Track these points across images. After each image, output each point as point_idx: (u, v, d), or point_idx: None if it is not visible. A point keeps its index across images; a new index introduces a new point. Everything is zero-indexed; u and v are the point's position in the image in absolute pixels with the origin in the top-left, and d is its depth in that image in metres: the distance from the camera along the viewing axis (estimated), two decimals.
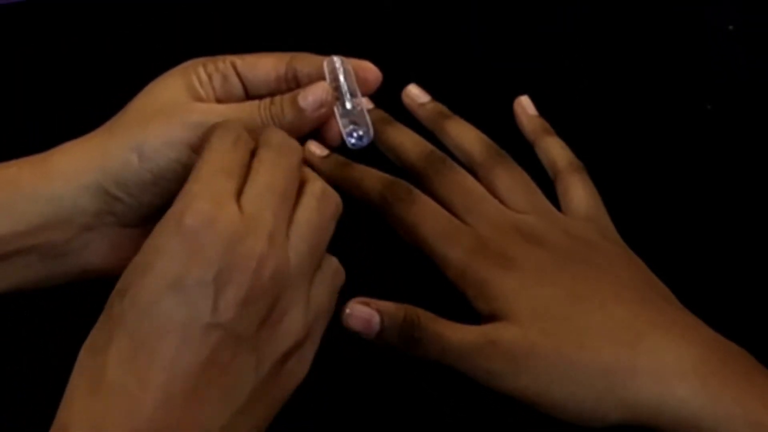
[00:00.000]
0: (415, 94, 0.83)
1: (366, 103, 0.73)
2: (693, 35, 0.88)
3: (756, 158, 0.84)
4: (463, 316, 0.74)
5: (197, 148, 0.66)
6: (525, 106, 0.83)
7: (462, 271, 0.74)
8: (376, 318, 0.71)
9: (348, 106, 0.70)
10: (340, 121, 0.70)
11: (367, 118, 0.70)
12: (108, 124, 0.70)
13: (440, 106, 0.82)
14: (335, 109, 0.70)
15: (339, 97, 0.70)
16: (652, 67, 0.87)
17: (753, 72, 0.87)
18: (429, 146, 0.79)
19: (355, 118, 0.70)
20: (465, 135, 0.80)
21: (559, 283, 0.72)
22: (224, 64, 0.71)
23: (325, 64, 0.70)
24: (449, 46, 0.90)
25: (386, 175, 0.79)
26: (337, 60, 0.70)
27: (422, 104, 0.83)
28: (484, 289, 0.72)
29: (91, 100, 0.83)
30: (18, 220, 0.67)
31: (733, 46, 0.88)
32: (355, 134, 0.70)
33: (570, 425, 0.70)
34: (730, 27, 0.88)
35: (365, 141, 0.70)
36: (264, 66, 0.71)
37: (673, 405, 0.68)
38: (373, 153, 0.73)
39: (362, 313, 0.71)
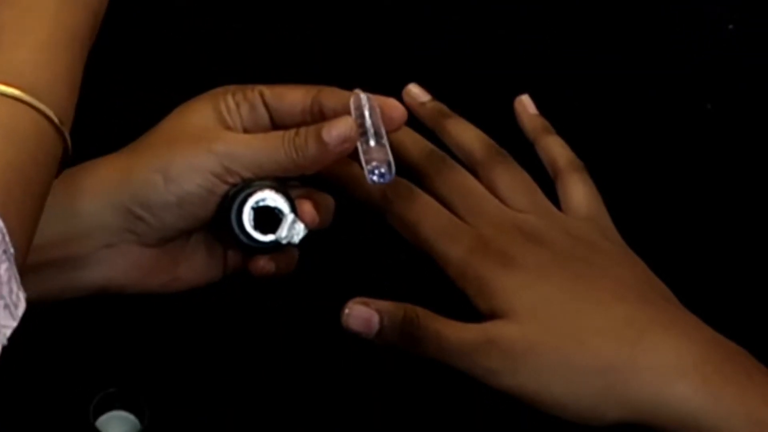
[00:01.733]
0: (415, 93, 0.83)
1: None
2: (693, 35, 0.88)
3: (756, 158, 0.84)
4: (463, 315, 0.74)
5: (221, 176, 0.68)
6: (525, 104, 0.83)
7: (462, 270, 0.74)
8: (376, 318, 0.71)
9: (371, 143, 0.69)
10: (362, 157, 0.69)
11: (390, 155, 0.70)
12: (135, 143, 0.71)
13: (441, 105, 0.83)
14: (358, 145, 0.69)
15: (363, 133, 0.69)
16: (652, 67, 0.87)
17: (753, 72, 0.87)
18: (429, 145, 0.79)
19: (377, 155, 0.69)
20: (465, 134, 0.81)
21: (559, 282, 0.72)
22: (252, 93, 0.71)
23: (351, 100, 0.70)
24: (449, 46, 0.90)
25: None
26: (363, 96, 0.70)
27: (423, 103, 0.83)
28: (484, 288, 0.73)
29: (90, 100, 0.83)
30: (39, 234, 0.66)
31: (733, 46, 0.87)
32: (377, 171, 0.69)
33: (570, 424, 0.70)
34: (730, 27, 0.88)
35: (387, 179, 0.69)
36: (291, 98, 0.71)
37: (673, 403, 0.68)
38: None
39: (362, 313, 0.71)
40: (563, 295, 0.71)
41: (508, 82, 0.86)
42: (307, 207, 0.71)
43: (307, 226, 0.70)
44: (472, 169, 0.79)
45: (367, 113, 0.70)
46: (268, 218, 0.70)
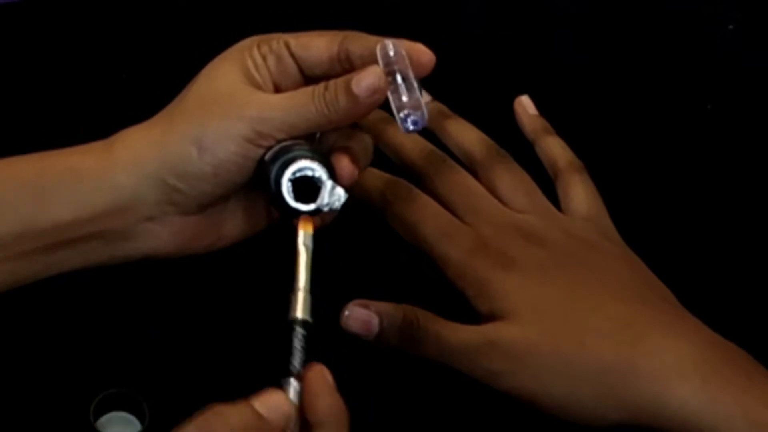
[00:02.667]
0: None
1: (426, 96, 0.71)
2: (693, 35, 0.88)
3: (756, 158, 0.84)
4: (463, 316, 0.74)
5: (254, 141, 0.67)
6: (525, 105, 0.83)
7: (462, 271, 0.74)
8: (375, 320, 0.71)
9: (402, 90, 0.67)
10: (393, 106, 0.67)
11: (422, 102, 0.68)
12: (167, 111, 0.70)
13: (441, 106, 0.82)
14: (389, 94, 0.68)
15: (392, 81, 0.67)
16: (652, 67, 0.87)
17: (753, 72, 0.87)
18: (429, 146, 0.79)
19: (409, 103, 0.67)
20: (465, 134, 0.81)
21: (559, 283, 0.72)
22: (278, 44, 0.69)
23: (378, 48, 0.68)
24: (449, 46, 0.90)
25: (387, 175, 0.79)
26: (389, 44, 0.68)
27: None
28: (484, 289, 0.73)
29: (91, 100, 0.83)
30: (81, 208, 0.67)
31: (733, 46, 0.87)
32: (410, 119, 0.67)
33: (570, 425, 0.70)
34: (730, 27, 0.88)
35: (420, 125, 0.67)
36: (317, 46, 0.69)
37: (673, 404, 0.68)
38: (374, 153, 0.72)
39: (361, 315, 0.71)
40: (563, 296, 0.71)
41: (508, 83, 0.86)
42: (344, 164, 0.69)
43: (346, 190, 0.68)
44: (472, 170, 0.79)
45: (394, 60, 0.68)
46: (307, 186, 0.68)
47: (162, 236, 0.69)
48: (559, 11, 0.92)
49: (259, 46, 0.69)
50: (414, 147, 0.79)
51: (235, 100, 0.68)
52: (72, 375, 0.75)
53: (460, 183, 0.77)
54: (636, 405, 0.68)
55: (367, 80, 0.67)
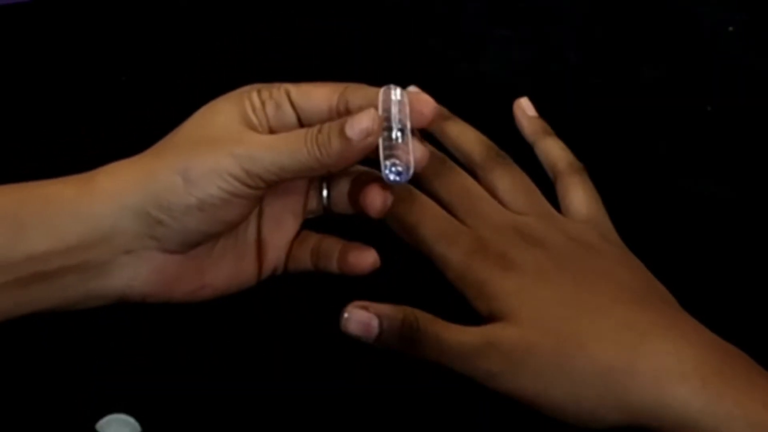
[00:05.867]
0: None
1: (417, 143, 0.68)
2: (693, 36, 0.88)
3: (756, 159, 0.84)
4: (463, 317, 0.74)
5: (242, 179, 0.66)
6: (525, 107, 0.83)
7: (461, 272, 0.74)
8: (375, 322, 0.70)
9: (394, 139, 0.66)
10: (381, 153, 0.66)
11: (411, 154, 0.66)
12: (156, 146, 0.69)
13: (440, 107, 0.82)
14: (380, 141, 0.66)
15: (387, 128, 0.66)
16: (652, 67, 0.87)
17: (753, 73, 0.87)
18: (428, 146, 0.79)
19: (397, 152, 0.66)
20: (465, 136, 0.81)
21: (558, 285, 0.72)
22: (278, 92, 0.69)
23: (381, 91, 0.67)
24: (449, 47, 0.90)
25: None
26: (394, 90, 0.67)
27: None
28: (483, 290, 0.73)
29: (91, 102, 0.83)
30: (57, 238, 0.66)
31: (733, 46, 0.87)
32: (394, 169, 0.66)
33: (570, 426, 0.70)
34: (730, 28, 0.88)
35: (403, 178, 0.66)
36: (318, 96, 0.69)
37: (673, 406, 0.68)
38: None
39: (361, 317, 0.71)
40: (563, 297, 0.71)
41: (508, 83, 0.86)
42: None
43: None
44: (472, 171, 0.79)
45: (394, 107, 0.67)
46: None
47: (140, 274, 0.68)
48: (559, 11, 0.92)
49: (259, 92, 0.69)
50: None
51: (226, 138, 0.67)
52: (72, 376, 0.75)
53: (460, 184, 0.77)
54: (636, 407, 0.68)
55: (360, 123, 0.66)
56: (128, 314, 0.76)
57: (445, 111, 0.82)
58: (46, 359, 0.75)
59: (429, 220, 0.76)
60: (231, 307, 0.77)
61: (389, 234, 0.77)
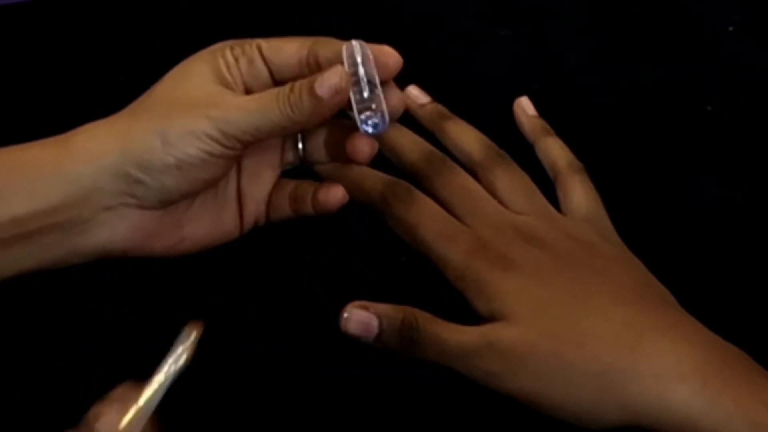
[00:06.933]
0: (415, 95, 0.83)
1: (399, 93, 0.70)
2: (693, 36, 0.88)
3: (756, 159, 0.84)
4: (462, 317, 0.74)
5: (219, 140, 0.67)
6: (525, 107, 0.83)
7: (461, 272, 0.74)
8: (375, 322, 0.70)
9: (365, 93, 0.67)
10: (355, 108, 0.67)
11: (384, 105, 0.67)
12: (132, 106, 0.70)
13: (440, 107, 0.83)
14: (351, 95, 0.67)
15: (356, 82, 0.67)
16: (652, 67, 0.87)
17: (753, 73, 0.87)
18: (429, 147, 0.79)
19: (371, 105, 0.67)
20: (465, 136, 0.81)
21: (558, 285, 0.72)
22: (250, 47, 0.70)
23: (344, 48, 0.68)
24: (449, 46, 0.90)
25: (386, 176, 0.79)
26: (356, 44, 0.68)
27: (422, 105, 0.83)
28: (483, 290, 0.73)
29: (90, 101, 0.83)
30: (39, 199, 0.67)
31: (733, 46, 0.87)
32: (369, 122, 0.67)
33: (569, 426, 0.70)
34: (730, 28, 0.88)
35: (380, 128, 0.68)
36: (288, 50, 0.70)
37: (673, 407, 0.68)
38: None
39: (361, 317, 0.71)
40: (562, 297, 0.71)
41: (508, 83, 0.86)
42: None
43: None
44: (472, 171, 0.79)
45: (359, 61, 0.67)
46: None
47: (119, 229, 0.69)
48: (559, 11, 0.92)
49: (232, 48, 0.70)
50: (414, 148, 0.80)
51: (202, 99, 0.68)
52: (72, 375, 0.75)
53: (460, 184, 0.78)
54: (635, 407, 0.68)
55: (330, 80, 0.67)
56: (130, 313, 0.76)
57: (445, 111, 0.82)
58: (46, 358, 0.75)
59: (429, 220, 0.76)
60: (231, 307, 0.77)
61: (389, 233, 0.77)
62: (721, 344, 0.70)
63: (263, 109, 0.67)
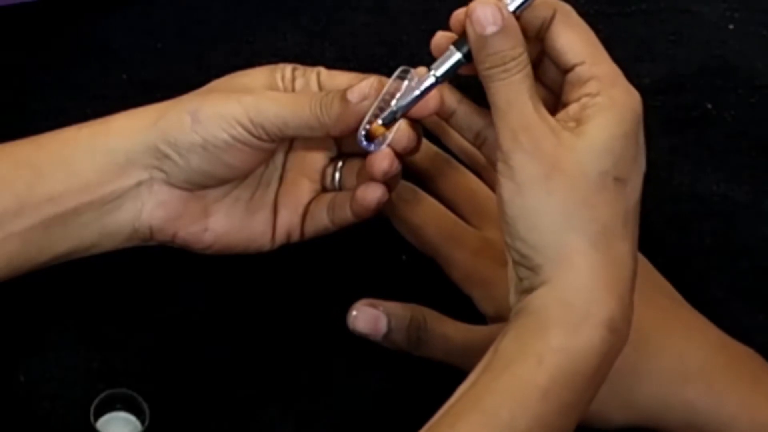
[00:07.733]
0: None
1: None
2: (693, 35, 0.88)
3: (756, 159, 0.84)
4: (463, 317, 0.74)
5: (247, 127, 0.69)
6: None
7: (467, 273, 0.74)
8: (383, 320, 0.71)
9: (383, 115, 0.69)
10: (366, 117, 0.69)
11: (389, 138, 0.69)
12: (181, 97, 0.72)
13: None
14: (372, 108, 0.69)
15: (383, 104, 0.69)
16: (652, 67, 0.87)
17: (753, 73, 0.87)
18: (433, 147, 0.79)
19: (377, 126, 0.69)
20: None
21: None
22: (311, 71, 0.73)
23: (399, 69, 0.69)
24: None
25: None
26: (412, 71, 0.69)
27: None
28: (489, 291, 0.73)
29: (90, 101, 0.83)
30: (74, 177, 0.69)
31: (733, 46, 0.88)
32: (363, 133, 0.69)
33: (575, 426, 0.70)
34: (731, 27, 0.88)
35: (368, 148, 0.69)
36: (341, 79, 0.72)
37: (678, 407, 0.68)
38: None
39: (369, 315, 0.71)
40: None
41: None
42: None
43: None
44: (477, 172, 0.79)
45: (400, 93, 0.68)
46: None
47: (149, 205, 0.71)
48: None
49: (294, 68, 0.73)
50: None
51: (242, 90, 0.70)
52: (72, 375, 0.75)
53: (465, 185, 0.77)
54: (641, 407, 0.69)
55: (360, 87, 0.68)
56: (130, 313, 0.76)
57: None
58: (46, 358, 0.75)
59: (434, 220, 0.76)
60: (233, 306, 0.77)
61: (395, 234, 0.77)
62: (728, 342, 0.71)
63: (295, 105, 0.69)
